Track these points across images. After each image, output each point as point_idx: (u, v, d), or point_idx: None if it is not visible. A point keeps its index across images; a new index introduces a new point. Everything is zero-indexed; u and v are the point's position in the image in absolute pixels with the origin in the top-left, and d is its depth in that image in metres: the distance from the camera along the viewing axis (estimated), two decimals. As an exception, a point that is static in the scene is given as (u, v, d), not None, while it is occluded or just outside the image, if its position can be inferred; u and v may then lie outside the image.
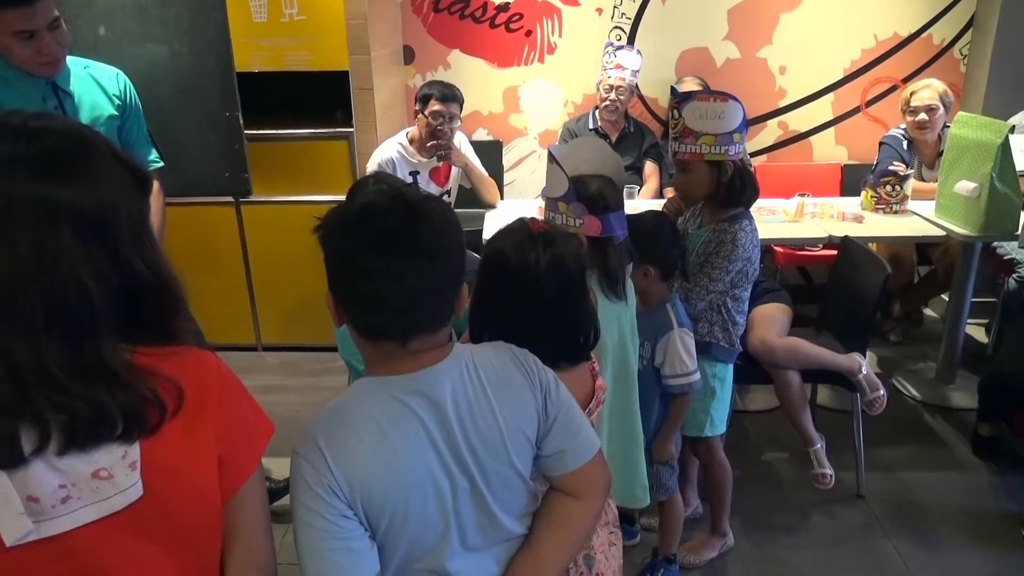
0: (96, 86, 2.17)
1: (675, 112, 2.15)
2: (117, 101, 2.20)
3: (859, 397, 2.63)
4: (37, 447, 0.80)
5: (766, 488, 2.82)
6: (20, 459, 0.80)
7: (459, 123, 3.29)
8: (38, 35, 1.94)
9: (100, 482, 0.83)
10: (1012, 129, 2.91)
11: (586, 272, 1.45)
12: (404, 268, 1.02)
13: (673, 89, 2.21)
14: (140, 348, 0.88)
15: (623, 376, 1.83)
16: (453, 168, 3.38)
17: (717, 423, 2.30)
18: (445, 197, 3.38)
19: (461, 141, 3.40)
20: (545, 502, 1.22)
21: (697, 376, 2.08)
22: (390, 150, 3.26)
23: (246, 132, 2.98)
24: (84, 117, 2.11)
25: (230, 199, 3.57)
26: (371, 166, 3.25)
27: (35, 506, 0.81)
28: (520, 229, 1.41)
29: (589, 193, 1.75)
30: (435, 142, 3.20)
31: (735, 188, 2.15)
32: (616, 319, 1.80)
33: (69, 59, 2.11)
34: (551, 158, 1.79)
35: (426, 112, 3.18)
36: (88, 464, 0.82)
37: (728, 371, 2.31)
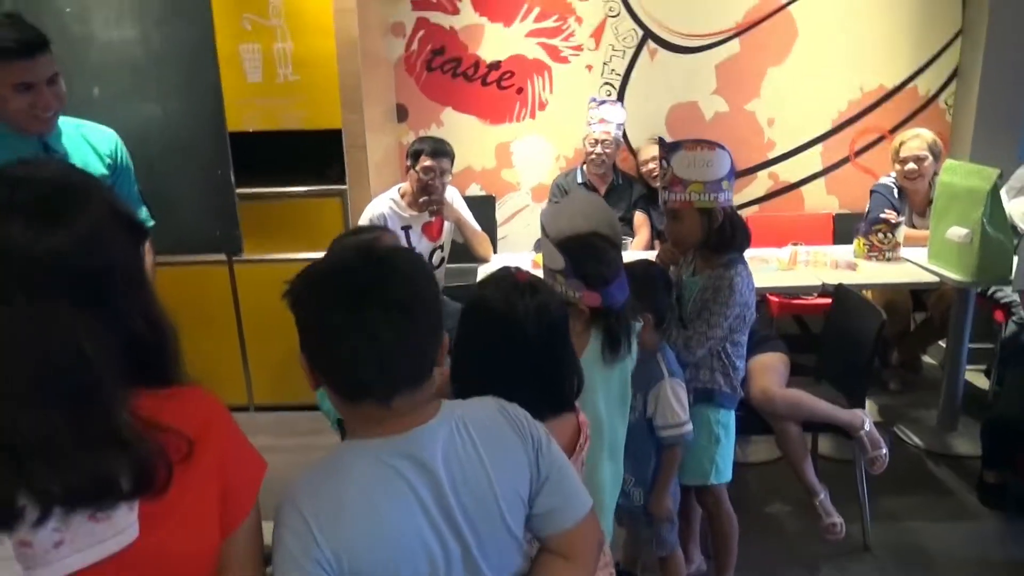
0: (87, 146, 2.18)
1: (664, 162, 2.18)
2: (108, 161, 2.21)
3: (860, 454, 2.57)
4: (39, 518, 0.77)
5: (771, 541, 2.75)
6: (18, 524, 0.77)
7: (450, 178, 3.31)
8: (36, 88, 1.95)
9: (95, 524, 0.80)
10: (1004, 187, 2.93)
11: (568, 320, 1.44)
12: (378, 323, 0.99)
13: (661, 140, 2.24)
14: (141, 391, 0.86)
15: (598, 444, 1.77)
16: (446, 223, 3.39)
17: (723, 470, 2.26)
18: (438, 252, 3.38)
19: (453, 196, 3.42)
20: (536, 565, 1.16)
21: (689, 428, 2.05)
22: (382, 206, 3.27)
23: (239, 191, 3.01)
24: None
25: (223, 258, 3.56)
26: (363, 222, 3.26)
27: (27, 551, 0.78)
28: (505, 278, 1.41)
29: (586, 272, 1.71)
30: (427, 197, 3.22)
31: (726, 234, 2.15)
32: (601, 380, 1.76)
33: (62, 119, 2.12)
34: (543, 230, 1.79)
35: (417, 167, 3.21)
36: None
37: (731, 417, 2.28)
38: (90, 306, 0.82)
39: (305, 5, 3.45)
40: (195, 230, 2.87)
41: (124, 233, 0.90)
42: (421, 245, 3.28)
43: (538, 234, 3.23)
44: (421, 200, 3.24)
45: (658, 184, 3.73)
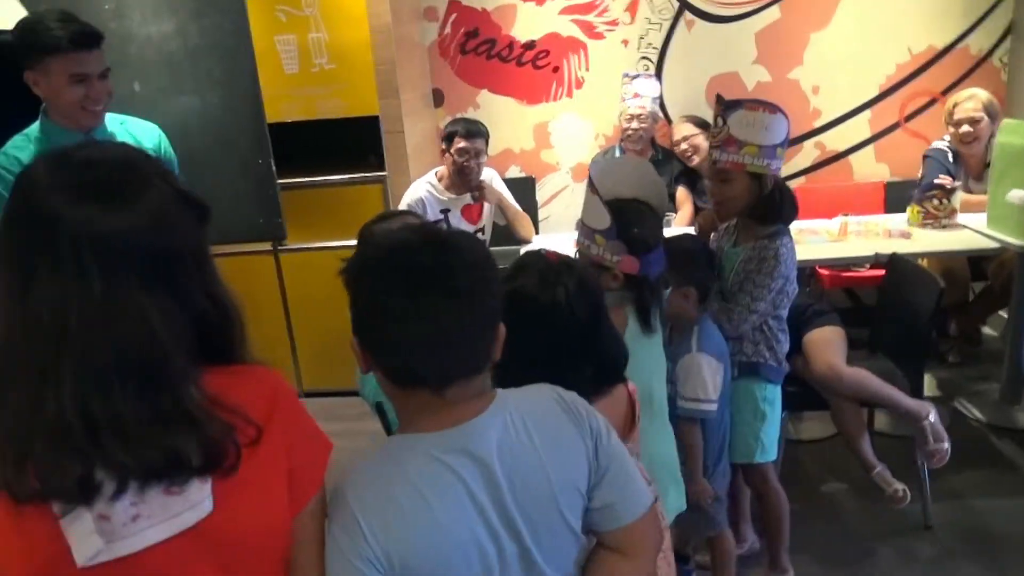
0: (132, 139, 2.21)
1: (719, 120, 2.11)
2: (152, 154, 2.24)
3: (919, 445, 2.48)
4: (116, 491, 0.79)
5: (827, 521, 2.68)
6: (96, 498, 0.79)
7: (486, 158, 3.28)
8: (89, 81, 2.02)
9: (170, 498, 0.82)
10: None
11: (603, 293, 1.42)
12: (438, 309, 0.96)
13: (719, 96, 2.17)
14: (207, 368, 0.87)
15: (649, 410, 1.75)
16: (485, 205, 3.37)
17: (768, 448, 2.21)
18: (479, 234, 3.37)
19: (492, 177, 3.40)
20: (592, 563, 1.11)
21: (712, 408, 1.99)
22: (420, 190, 3.27)
23: (281, 181, 3.03)
24: None
25: (268, 248, 3.61)
26: (402, 207, 3.26)
27: (106, 524, 0.80)
28: (536, 263, 1.37)
29: (631, 234, 1.68)
30: (469, 182, 3.20)
31: (775, 203, 2.08)
32: (647, 353, 1.75)
33: (107, 115, 2.16)
34: (591, 186, 1.73)
35: (452, 150, 3.19)
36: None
37: (777, 393, 2.22)
38: (160, 285, 0.83)
39: (339, -7, 3.45)
40: (239, 220, 2.89)
41: (188, 211, 0.89)
42: (461, 227, 3.27)
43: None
44: (462, 183, 3.22)
45: (693, 161, 3.69)
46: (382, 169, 3.61)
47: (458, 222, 3.29)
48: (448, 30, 4.09)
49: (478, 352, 1.02)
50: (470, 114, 4.15)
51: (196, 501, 0.82)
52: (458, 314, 0.97)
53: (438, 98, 4.19)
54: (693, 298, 2.01)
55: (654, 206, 1.80)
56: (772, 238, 2.11)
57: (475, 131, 3.20)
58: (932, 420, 2.45)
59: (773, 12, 3.93)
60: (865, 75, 3.99)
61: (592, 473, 1.07)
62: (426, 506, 0.96)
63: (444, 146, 3.24)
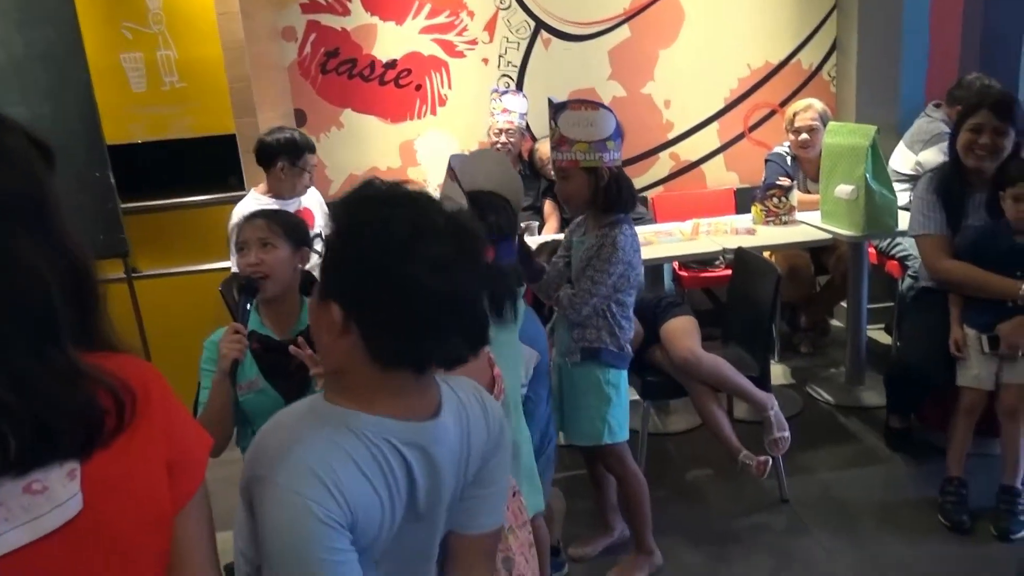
0: None
1: (552, 122, 2.20)
2: None
3: (764, 433, 2.62)
4: None
5: (692, 504, 2.77)
6: None
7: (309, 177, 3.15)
8: None
9: (32, 497, 0.71)
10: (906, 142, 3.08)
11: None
12: (465, 292, 0.95)
13: (550, 100, 2.25)
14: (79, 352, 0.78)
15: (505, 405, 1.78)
16: (317, 207, 3.30)
17: (616, 430, 2.26)
18: (318, 240, 3.30)
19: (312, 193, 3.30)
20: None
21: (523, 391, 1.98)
22: (248, 205, 3.13)
23: (133, 204, 2.89)
24: None
25: (121, 275, 3.42)
26: (233, 220, 3.10)
27: None
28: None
29: (487, 221, 1.71)
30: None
31: (612, 193, 2.18)
32: (500, 345, 1.76)
33: None
34: (450, 172, 1.74)
35: (307, 166, 3.08)
36: (19, 477, 0.70)
37: (622, 377, 2.29)
38: (39, 232, 0.76)
39: (186, 11, 3.37)
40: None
41: (43, 159, 0.82)
42: None
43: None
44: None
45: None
46: (242, 189, 3.51)
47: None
48: (308, 50, 4.06)
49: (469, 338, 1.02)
50: (334, 133, 4.13)
51: (62, 499, 0.72)
52: (479, 298, 0.99)
53: (300, 118, 4.13)
54: None
55: (510, 200, 1.85)
56: (612, 226, 2.20)
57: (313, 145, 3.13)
58: (775, 411, 2.61)
59: (624, 31, 4.13)
60: (711, 89, 4.25)
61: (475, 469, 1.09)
62: (373, 485, 0.94)
63: (283, 163, 3.04)
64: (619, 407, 2.26)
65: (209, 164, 3.55)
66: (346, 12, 4.01)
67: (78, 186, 2.71)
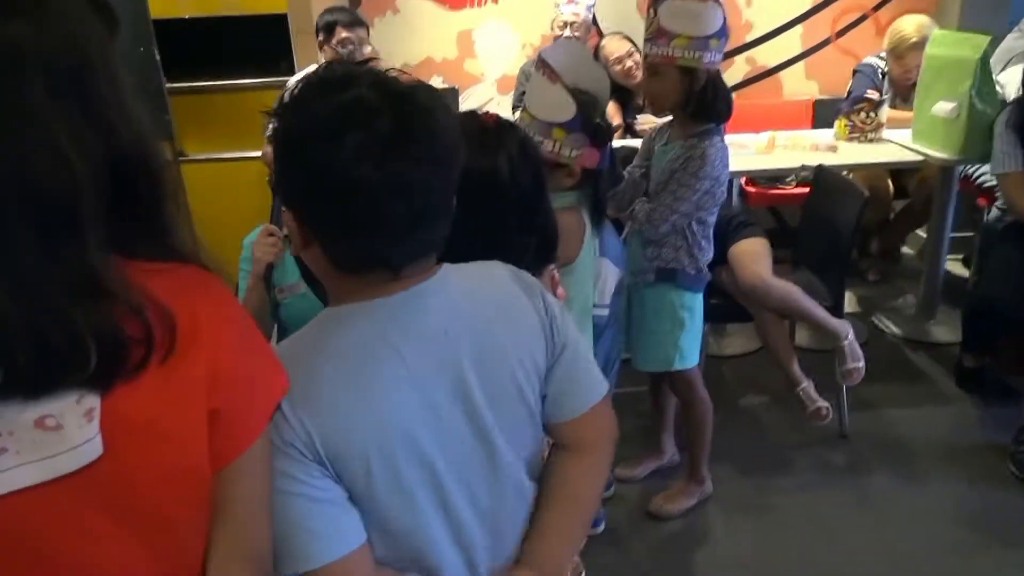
0: None
1: (651, 11, 1.97)
2: None
3: (837, 363, 2.46)
4: None
5: (746, 432, 2.68)
6: None
7: (369, 49, 3.02)
8: None
9: (44, 433, 0.62)
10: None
11: None
12: (411, 181, 0.81)
13: None
14: (132, 262, 0.66)
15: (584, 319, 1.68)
16: None
17: (687, 355, 2.14)
18: None
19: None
20: (549, 472, 1.02)
21: (604, 313, 1.83)
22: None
23: (178, 84, 2.74)
24: None
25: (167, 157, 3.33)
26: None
27: None
28: (471, 127, 1.20)
29: (597, 126, 1.57)
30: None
31: (707, 99, 1.96)
32: (591, 255, 1.67)
33: None
34: (548, 71, 1.56)
35: (333, 42, 2.94)
36: (30, 407, 0.61)
37: (697, 300, 2.15)
38: (71, 98, 0.63)
39: None
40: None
41: (99, 23, 0.69)
42: None
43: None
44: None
45: (630, 81, 3.52)
46: (292, 73, 3.34)
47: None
48: (366, -76, 3.78)
49: (443, 227, 0.89)
50: (389, 18, 3.89)
51: (78, 442, 0.62)
52: (430, 185, 0.84)
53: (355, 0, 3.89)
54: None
55: (601, 100, 1.68)
56: (702, 137, 2.00)
57: (357, 20, 2.96)
58: (850, 340, 2.45)
59: (708, -84, 3.75)
60: (798, -12, 3.88)
61: (549, 352, 0.98)
62: (358, 383, 0.84)
63: (322, 38, 2.98)
64: (692, 332, 2.13)
65: (260, 45, 3.37)
66: None
67: (119, 62, 2.57)
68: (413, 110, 0.82)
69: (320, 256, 0.87)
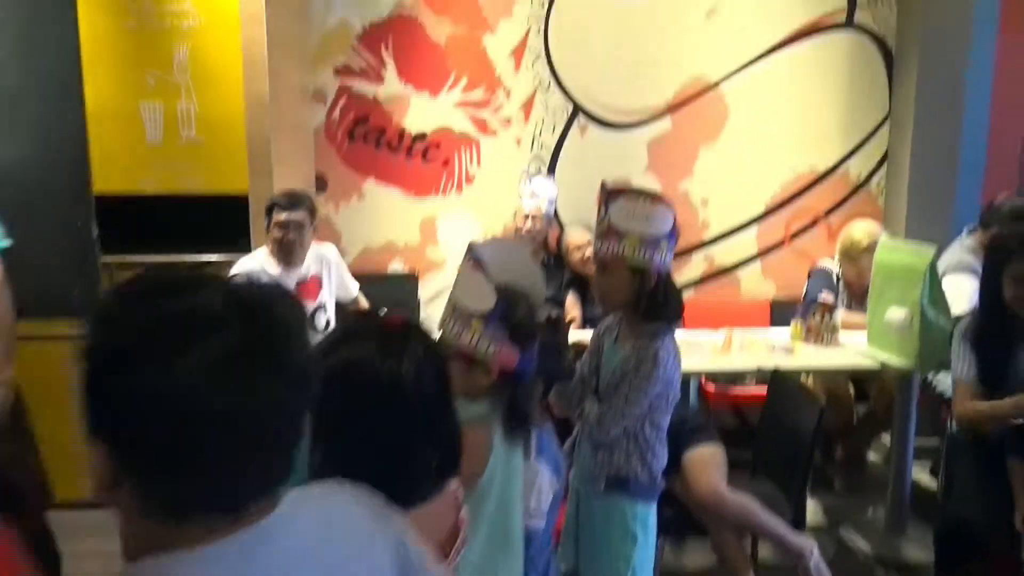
0: None
1: (602, 208, 1.96)
2: None
3: None
4: None
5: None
6: None
7: (311, 231, 3.02)
8: None
9: None
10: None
11: None
12: (255, 408, 0.69)
13: (603, 184, 2.02)
14: None
15: (504, 541, 1.49)
16: (325, 278, 3.10)
17: (640, 573, 1.94)
18: (321, 312, 3.09)
19: (328, 255, 3.16)
20: None
21: (541, 524, 1.67)
22: (253, 263, 2.98)
23: (132, 258, 2.66)
24: None
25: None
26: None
27: None
28: (371, 327, 1.11)
29: (518, 319, 1.49)
30: (291, 258, 2.96)
31: (658, 300, 1.91)
32: (509, 469, 1.50)
33: None
34: (474, 261, 1.52)
35: (272, 224, 2.94)
36: None
37: (650, 513, 1.98)
38: None
39: (213, 64, 3.25)
40: (46, 289, 2.48)
41: None
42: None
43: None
44: (285, 259, 2.97)
45: (589, 270, 3.55)
46: (249, 251, 3.31)
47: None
48: (337, 115, 3.92)
49: (293, 455, 0.74)
50: (353, 203, 3.95)
51: None
52: (284, 409, 0.71)
53: (321, 183, 3.96)
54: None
55: (533, 301, 1.61)
56: (653, 337, 1.92)
57: (295, 202, 2.95)
58: (815, 558, 2.28)
59: (665, 123, 3.96)
60: (752, 192, 4.03)
61: None
62: None
63: (266, 220, 2.97)
64: (646, 547, 1.95)
65: (220, 223, 3.36)
66: (380, 80, 3.88)
67: (58, 232, 2.51)
68: (264, 321, 0.70)
69: (130, 499, 0.70)
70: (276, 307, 0.73)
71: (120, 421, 0.69)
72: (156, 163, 3.25)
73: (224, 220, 3.33)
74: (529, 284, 1.62)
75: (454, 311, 1.51)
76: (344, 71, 3.87)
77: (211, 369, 0.66)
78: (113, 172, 3.18)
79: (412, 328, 1.13)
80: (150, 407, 0.66)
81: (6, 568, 0.59)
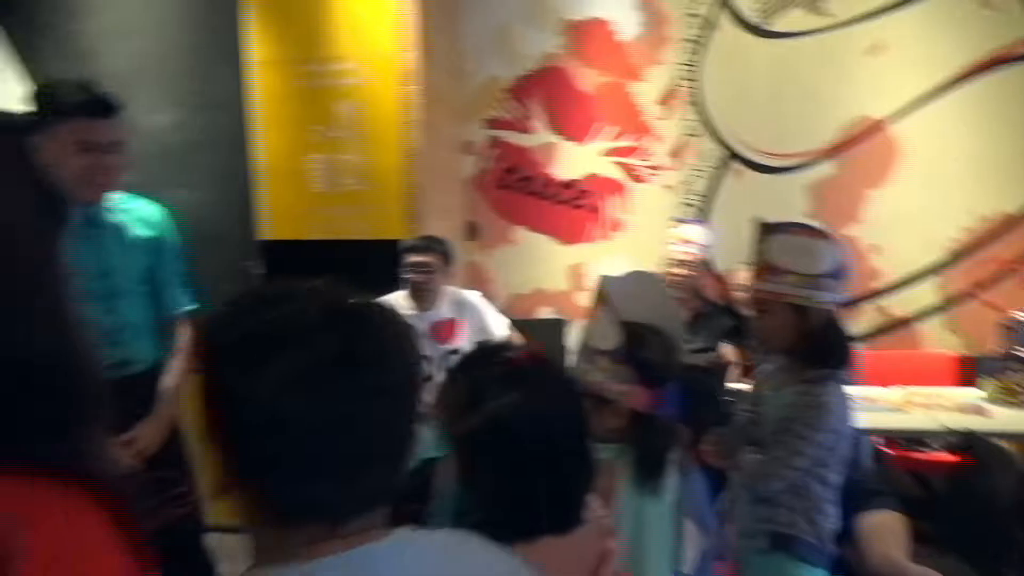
0: (134, 216, 2.08)
1: (760, 246, 1.86)
2: (156, 231, 2.11)
3: None
4: None
5: None
6: None
7: (443, 274, 3.06)
8: (95, 151, 1.85)
9: None
10: None
11: None
12: (365, 418, 0.69)
13: (761, 221, 1.92)
14: None
15: None
16: (466, 326, 3.09)
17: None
18: (454, 357, 3.09)
19: (473, 300, 3.17)
20: None
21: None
22: (392, 301, 3.04)
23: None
24: (116, 245, 2.02)
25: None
26: None
27: None
28: (508, 373, 1.05)
29: (646, 357, 1.43)
30: (423, 299, 3.01)
31: (823, 341, 1.76)
32: (647, 522, 1.40)
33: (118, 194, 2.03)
34: (602, 295, 1.49)
35: (404, 265, 3.03)
36: None
37: (818, 577, 1.77)
38: None
39: (374, 118, 3.42)
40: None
41: (30, 201, 0.62)
42: (430, 349, 2.96)
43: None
44: (417, 301, 3.04)
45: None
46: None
47: (426, 342, 2.99)
48: (488, 164, 4.02)
49: (399, 471, 0.75)
50: (505, 249, 4.00)
51: None
52: (388, 422, 0.72)
53: (473, 231, 4.05)
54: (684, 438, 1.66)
55: (668, 340, 1.52)
56: (817, 383, 1.76)
57: (426, 245, 3.04)
58: None
59: (827, 166, 3.73)
60: (931, 238, 3.68)
61: None
62: None
63: (402, 263, 3.07)
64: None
65: (378, 267, 3.50)
66: (529, 130, 3.95)
67: (227, 276, 2.68)
68: (365, 337, 0.70)
69: (254, 504, 0.72)
70: (378, 320, 0.72)
71: (222, 424, 0.71)
72: (319, 211, 3.45)
73: (382, 264, 3.47)
74: (663, 321, 1.53)
75: (583, 348, 1.48)
76: (494, 123, 3.97)
77: (304, 376, 0.68)
78: (281, 219, 3.41)
79: (540, 361, 1.09)
80: (246, 410, 0.69)
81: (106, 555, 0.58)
